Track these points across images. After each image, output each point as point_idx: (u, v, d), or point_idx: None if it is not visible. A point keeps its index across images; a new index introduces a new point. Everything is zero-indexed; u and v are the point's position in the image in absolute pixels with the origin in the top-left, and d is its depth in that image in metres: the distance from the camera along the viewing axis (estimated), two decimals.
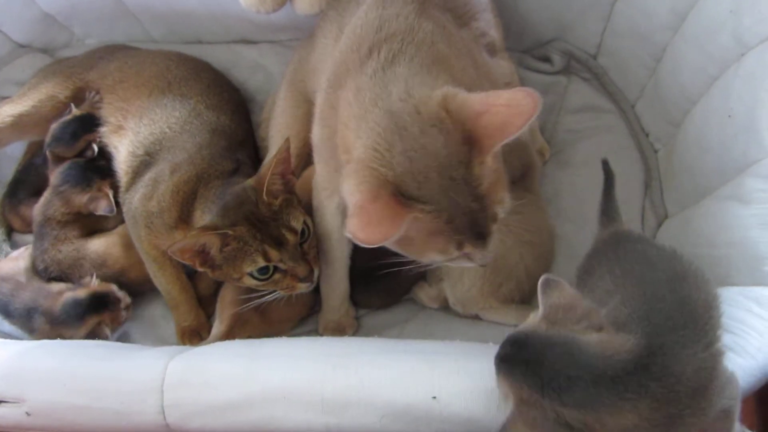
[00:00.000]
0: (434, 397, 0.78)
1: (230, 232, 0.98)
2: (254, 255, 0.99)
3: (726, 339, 0.79)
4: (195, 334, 1.18)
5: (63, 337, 1.10)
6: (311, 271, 1.04)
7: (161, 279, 1.18)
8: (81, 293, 1.16)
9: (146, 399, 0.84)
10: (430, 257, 0.81)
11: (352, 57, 0.87)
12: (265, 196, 1.00)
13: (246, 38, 1.50)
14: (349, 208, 0.76)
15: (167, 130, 1.20)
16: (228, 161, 1.16)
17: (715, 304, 0.73)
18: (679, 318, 0.69)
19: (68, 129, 1.28)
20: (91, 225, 1.26)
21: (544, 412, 0.64)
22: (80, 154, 1.30)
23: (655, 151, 1.29)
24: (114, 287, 1.18)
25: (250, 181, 1.04)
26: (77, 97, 1.34)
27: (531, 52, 1.40)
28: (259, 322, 1.12)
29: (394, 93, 0.79)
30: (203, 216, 1.06)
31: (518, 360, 0.67)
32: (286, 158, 1.02)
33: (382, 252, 0.81)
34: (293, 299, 1.11)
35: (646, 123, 1.31)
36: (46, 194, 1.27)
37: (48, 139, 1.30)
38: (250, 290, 1.07)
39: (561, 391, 0.63)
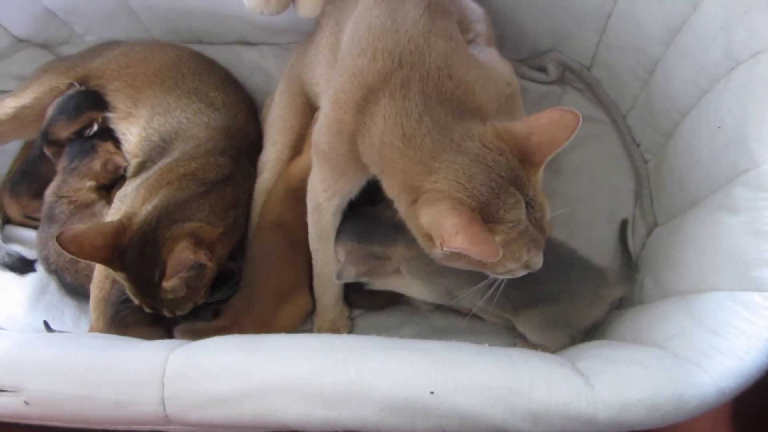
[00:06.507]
0: (432, 392, 0.79)
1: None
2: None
3: (714, 341, 0.82)
4: None
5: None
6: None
7: None
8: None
9: (146, 390, 0.84)
10: (505, 265, 0.89)
11: (380, 84, 0.89)
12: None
13: (246, 39, 1.51)
14: (437, 230, 0.83)
15: (184, 120, 1.21)
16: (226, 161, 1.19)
17: None
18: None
19: (72, 101, 1.30)
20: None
21: (360, 252, 1.05)
22: (78, 134, 1.30)
23: (646, 162, 1.32)
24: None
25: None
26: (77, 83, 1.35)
27: (527, 61, 1.42)
28: (258, 331, 1.12)
29: (456, 137, 0.86)
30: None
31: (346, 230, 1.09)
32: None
33: None
34: (295, 311, 1.16)
35: (638, 134, 1.34)
36: (58, 177, 1.29)
37: (49, 113, 1.30)
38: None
39: (370, 237, 1.06)
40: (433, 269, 1.05)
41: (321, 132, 0.99)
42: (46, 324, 1.21)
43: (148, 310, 1.09)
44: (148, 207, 1.08)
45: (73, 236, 1.01)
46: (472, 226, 0.80)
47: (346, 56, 0.96)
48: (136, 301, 1.07)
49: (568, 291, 1.06)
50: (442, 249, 0.83)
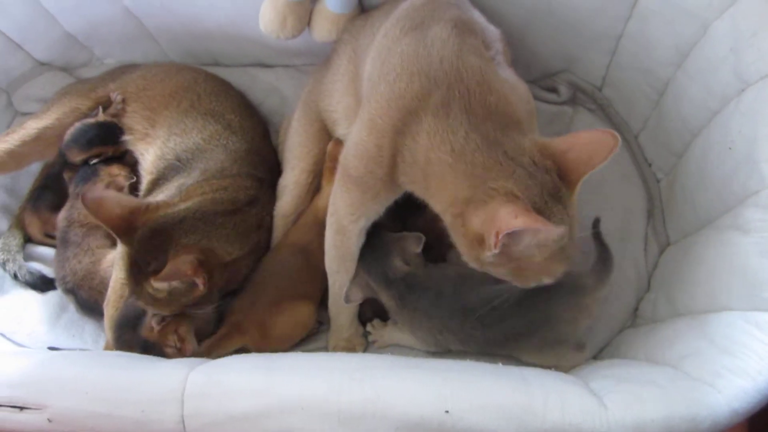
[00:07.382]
0: (447, 411, 0.80)
1: None
2: None
3: (727, 361, 0.83)
4: None
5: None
6: None
7: None
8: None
9: (167, 408, 0.86)
10: (539, 278, 0.92)
11: (419, 104, 0.91)
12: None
13: (262, 62, 1.54)
14: (492, 224, 0.82)
15: (201, 141, 1.24)
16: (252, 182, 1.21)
17: None
18: None
19: (87, 134, 1.33)
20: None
21: (363, 279, 1.11)
22: (86, 161, 1.34)
23: (658, 181, 1.33)
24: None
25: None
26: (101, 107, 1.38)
27: (538, 82, 1.44)
28: (258, 335, 1.16)
29: (508, 151, 0.87)
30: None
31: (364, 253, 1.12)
32: None
33: None
34: (296, 318, 1.17)
35: (649, 153, 1.35)
36: (68, 202, 1.32)
37: (66, 137, 1.34)
38: None
39: (371, 274, 1.11)
40: (413, 323, 1.13)
41: (355, 157, 1.00)
42: (51, 349, 1.23)
43: (130, 291, 1.10)
44: (181, 205, 1.10)
45: (97, 197, 1.06)
46: (529, 212, 0.81)
47: (379, 83, 0.98)
48: (124, 276, 1.10)
49: (544, 317, 1.05)
50: (496, 246, 0.82)
